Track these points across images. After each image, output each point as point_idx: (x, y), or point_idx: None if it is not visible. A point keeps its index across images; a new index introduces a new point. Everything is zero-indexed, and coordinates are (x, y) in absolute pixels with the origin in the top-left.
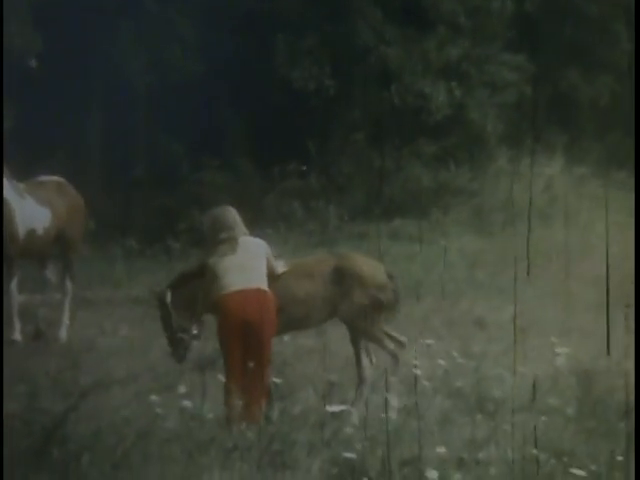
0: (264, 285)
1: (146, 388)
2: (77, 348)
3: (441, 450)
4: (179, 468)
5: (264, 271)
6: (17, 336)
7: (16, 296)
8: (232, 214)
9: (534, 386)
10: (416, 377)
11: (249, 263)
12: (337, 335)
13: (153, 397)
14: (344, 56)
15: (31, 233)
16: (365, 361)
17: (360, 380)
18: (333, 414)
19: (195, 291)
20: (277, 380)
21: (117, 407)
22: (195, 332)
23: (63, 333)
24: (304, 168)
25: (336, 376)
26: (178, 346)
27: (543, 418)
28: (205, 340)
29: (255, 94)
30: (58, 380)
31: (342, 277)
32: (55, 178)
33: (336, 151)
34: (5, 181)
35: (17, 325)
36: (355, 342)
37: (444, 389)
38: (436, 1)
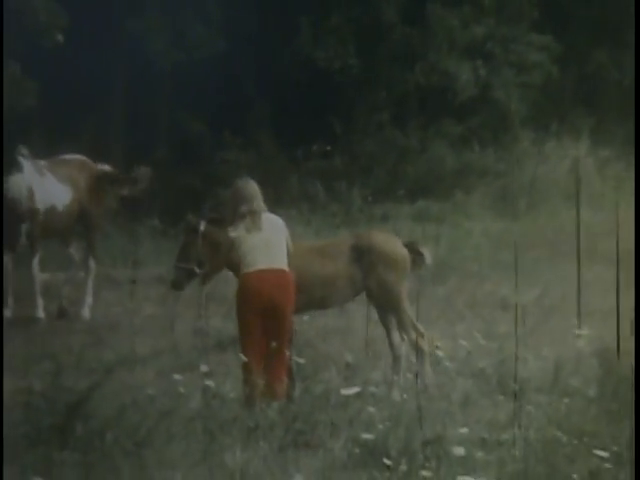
0: (285, 265)
1: (169, 367)
2: (101, 326)
3: (463, 431)
4: (201, 447)
5: (285, 251)
6: (40, 314)
7: (38, 274)
8: (252, 186)
9: (556, 367)
10: (439, 358)
11: (273, 242)
12: (358, 315)
13: (176, 376)
14: (368, 35)
15: (51, 210)
16: (397, 339)
17: (394, 358)
18: (356, 394)
19: (221, 240)
20: (300, 360)
21: (140, 385)
22: (201, 271)
23: (86, 311)
24: (328, 148)
25: (357, 356)
26: (184, 276)
27: (565, 400)
28: (227, 319)
29: (279, 73)
30: (82, 358)
31: (361, 254)
32: (77, 156)
33: (360, 131)
34: (24, 159)
35: (40, 303)
36: (384, 320)
37: (467, 370)
38: None
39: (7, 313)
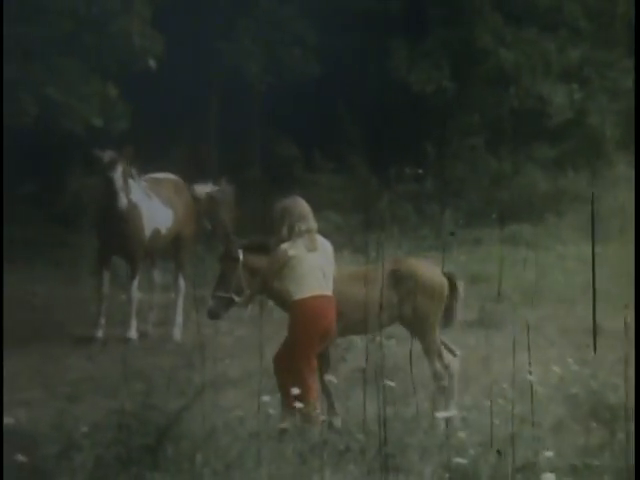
0: (331, 291)
1: (259, 388)
2: (192, 347)
3: (554, 457)
4: (291, 469)
5: (332, 276)
6: (133, 334)
7: (137, 296)
8: (305, 204)
9: None
10: (531, 383)
11: (327, 266)
12: (450, 339)
13: (265, 397)
14: (463, 58)
15: (156, 233)
16: (437, 364)
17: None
18: (444, 419)
19: (260, 265)
20: (390, 383)
21: (231, 407)
22: (240, 299)
23: (177, 332)
24: (420, 171)
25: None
26: (223, 305)
27: None
28: None
29: (372, 96)
30: (173, 379)
31: (400, 280)
32: (171, 176)
33: (452, 155)
34: (132, 182)
35: (134, 324)
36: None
37: (559, 396)
38: (557, 3)
39: (98, 333)
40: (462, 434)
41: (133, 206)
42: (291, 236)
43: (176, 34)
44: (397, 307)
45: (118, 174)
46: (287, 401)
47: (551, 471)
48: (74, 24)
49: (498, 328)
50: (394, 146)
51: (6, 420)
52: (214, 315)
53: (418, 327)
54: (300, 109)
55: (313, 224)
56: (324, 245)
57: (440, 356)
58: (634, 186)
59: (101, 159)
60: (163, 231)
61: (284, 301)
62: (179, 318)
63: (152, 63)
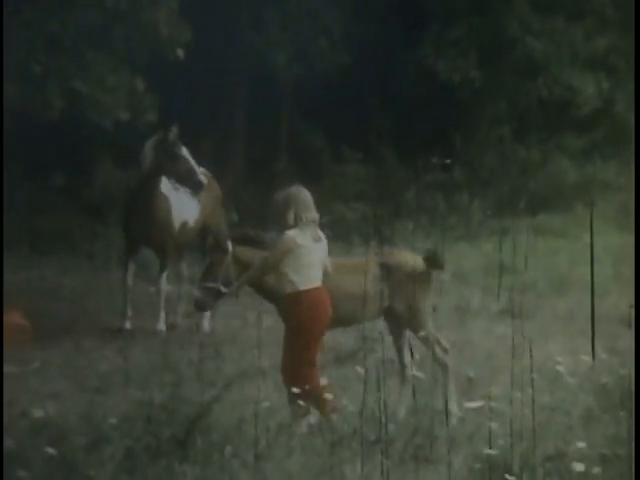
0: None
1: None
2: (220, 339)
3: (584, 446)
4: (321, 460)
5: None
6: (162, 326)
7: (165, 288)
8: (308, 194)
9: None
10: (560, 373)
11: (324, 259)
12: (478, 329)
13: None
14: (490, 47)
15: (184, 225)
16: (408, 358)
17: (402, 378)
18: (473, 409)
19: (249, 257)
20: (419, 374)
21: (260, 398)
22: (227, 290)
23: (206, 324)
24: (448, 161)
25: (476, 371)
26: (211, 296)
27: None
28: (345, 333)
29: (399, 85)
30: (202, 370)
31: (389, 272)
32: (202, 170)
33: (481, 144)
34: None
35: (162, 316)
36: (398, 339)
37: (588, 385)
38: None
39: (126, 325)
40: (492, 424)
41: (163, 198)
42: (297, 224)
43: (203, 24)
44: (387, 299)
45: (185, 150)
46: (304, 398)
47: (581, 460)
48: (102, 16)
49: (527, 318)
50: (422, 136)
51: (36, 413)
52: (201, 306)
53: (411, 318)
54: (328, 99)
55: (316, 214)
56: (322, 236)
57: (438, 342)
58: (634, 187)
59: (167, 137)
60: (191, 223)
61: (279, 292)
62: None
63: (180, 53)
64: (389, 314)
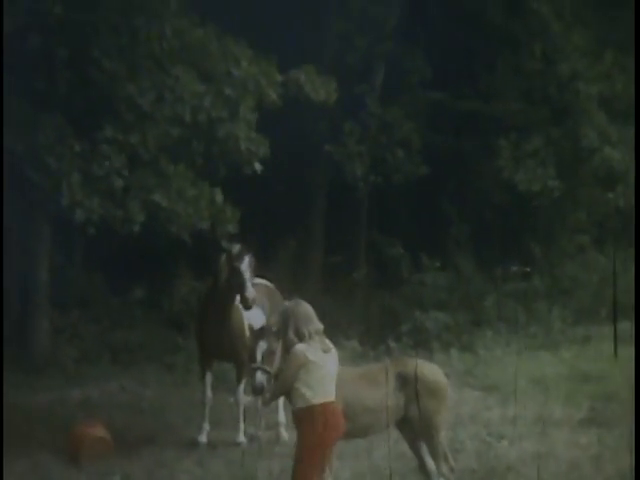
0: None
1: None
2: None
3: None
4: None
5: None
6: (242, 438)
7: (243, 398)
8: (310, 307)
9: None
10: None
11: (335, 371)
12: (561, 439)
13: None
14: (569, 157)
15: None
16: (432, 465)
17: None
18: None
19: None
20: None
21: None
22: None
23: (284, 433)
24: (527, 269)
25: None
26: (267, 379)
27: None
28: None
29: (478, 195)
30: None
31: (406, 382)
32: (264, 282)
33: (560, 253)
34: None
35: (242, 427)
36: (416, 448)
37: None
38: None
39: (202, 438)
40: None
41: (236, 308)
42: (302, 339)
43: (283, 135)
44: (403, 409)
45: (245, 265)
46: None
47: None
48: (181, 131)
49: (610, 427)
50: (500, 245)
51: None
52: (260, 390)
53: (423, 429)
54: (405, 209)
55: (320, 325)
56: (331, 346)
57: (446, 458)
58: (634, 188)
59: (230, 251)
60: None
61: (292, 405)
62: (282, 418)
63: (257, 167)
64: (403, 423)
